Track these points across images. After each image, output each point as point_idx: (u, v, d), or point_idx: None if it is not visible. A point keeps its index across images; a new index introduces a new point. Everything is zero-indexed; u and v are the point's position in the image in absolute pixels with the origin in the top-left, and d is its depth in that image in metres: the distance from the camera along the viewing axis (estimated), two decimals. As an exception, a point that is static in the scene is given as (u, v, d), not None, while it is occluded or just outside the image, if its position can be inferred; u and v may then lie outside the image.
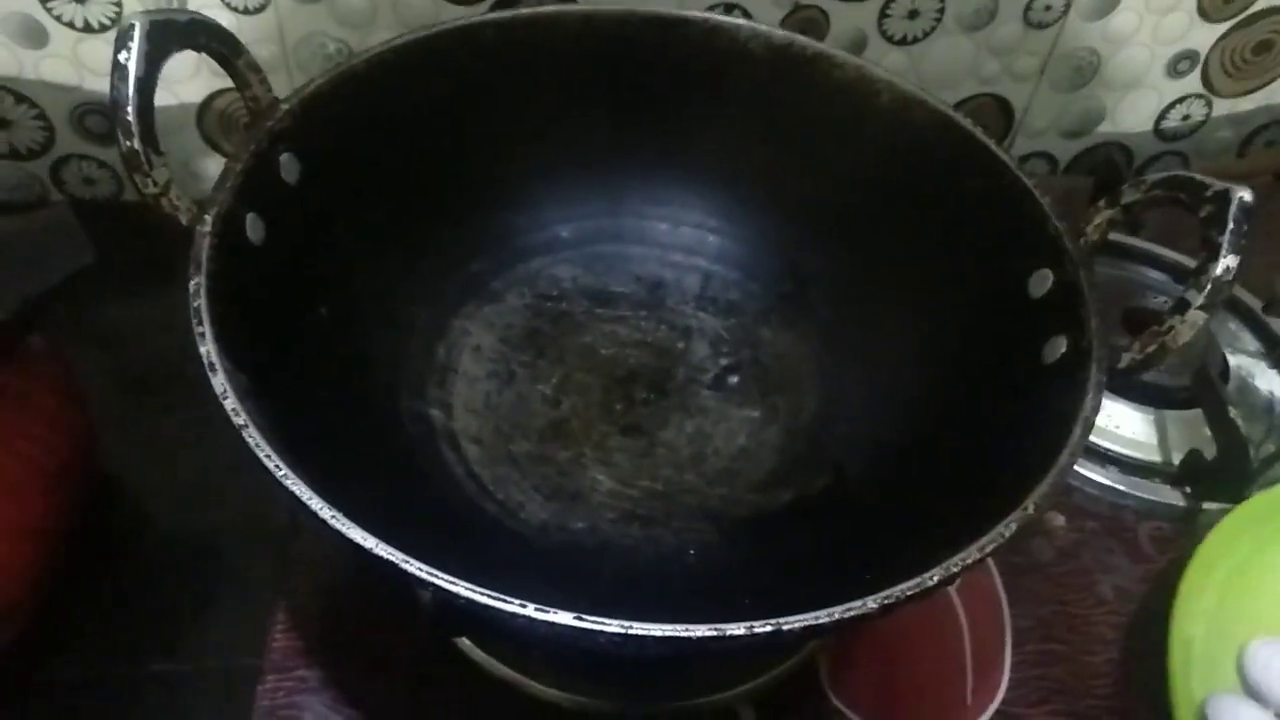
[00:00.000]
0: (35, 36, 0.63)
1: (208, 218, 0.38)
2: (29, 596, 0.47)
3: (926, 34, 0.70)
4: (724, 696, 0.45)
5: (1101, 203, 0.42)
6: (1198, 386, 0.56)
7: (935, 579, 0.31)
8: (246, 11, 0.63)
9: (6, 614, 0.45)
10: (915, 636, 0.49)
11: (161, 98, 0.66)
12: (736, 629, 0.29)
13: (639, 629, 0.29)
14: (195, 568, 0.54)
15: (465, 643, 0.46)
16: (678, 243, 0.57)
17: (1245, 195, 0.36)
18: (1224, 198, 0.36)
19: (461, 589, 0.29)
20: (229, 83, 0.43)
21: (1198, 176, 0.38)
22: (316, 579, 0.49)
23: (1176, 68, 0.76)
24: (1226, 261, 0.36)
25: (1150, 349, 0.38)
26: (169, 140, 0.68)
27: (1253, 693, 0.46)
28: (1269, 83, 0.79)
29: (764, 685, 0.46)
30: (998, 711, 0.47)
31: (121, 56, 0.35)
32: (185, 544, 0.56)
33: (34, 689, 0.48)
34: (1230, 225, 0.36)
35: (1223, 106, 0.80)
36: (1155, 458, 0.57)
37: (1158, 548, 0.54)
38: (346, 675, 0.46)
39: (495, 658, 0.45)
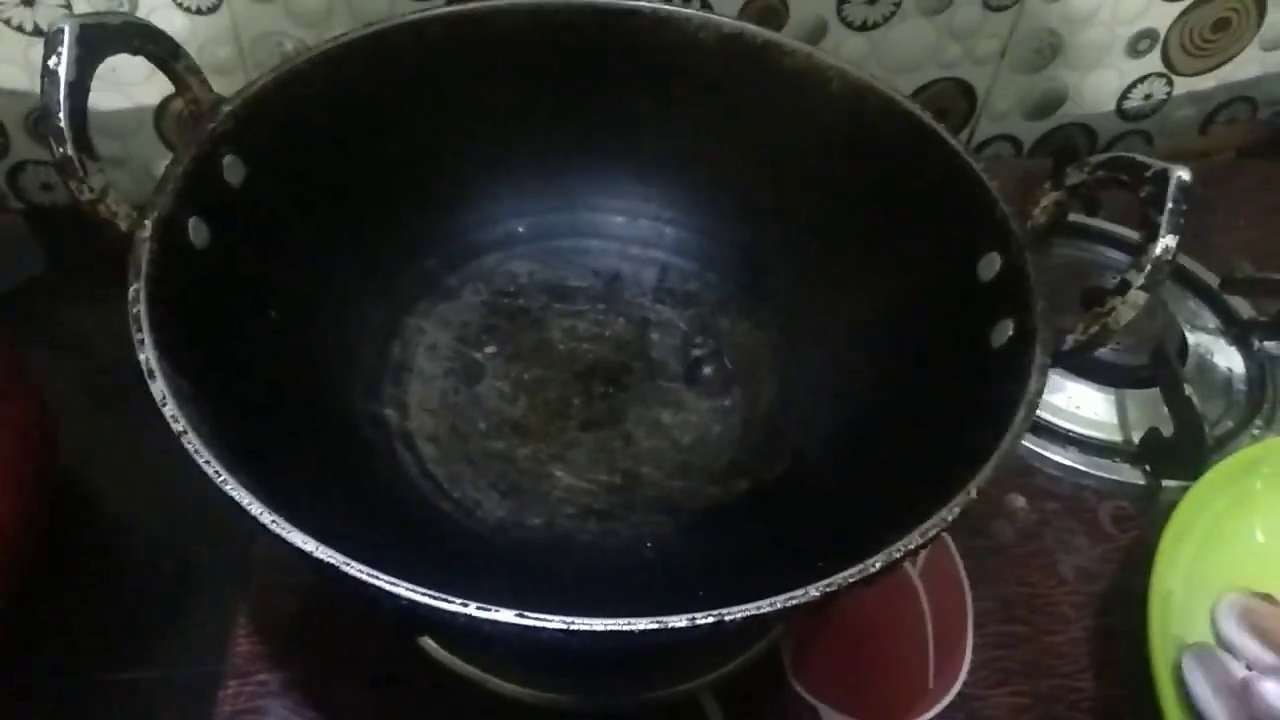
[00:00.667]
0: (-16, 42, 0.62)
1: (147, 223, 0.37)
2: (-9, 604, 0.46)
3: (886, 19, 0.70)
4: (686, 688, 0.45)
5: (1047, 185, 0.42)
6: (1156, 365, 0.57)
7: (877, 565, 0.31)
8: (199, 12, 0.62)
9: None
10: (877, 621, 0.49)
11: (116, 100, 0.67)
12: (678, 621, 0.29)
13: (581, 624, 0.29)
14: (162, 573, 0.54)
15: (428, 642, 0.46)
16: (634, 235, 0.57)
17: (1183, 175, 0.36)
18: (1162, 178, 0.36)
19: (402, 590, 0.29)
20: (189, 84, 0.42)
21: (1138, 157, 0.38)
22: (278, 582, 0.49)
23: (1137, 47, 0.76)
24: (1166, 241, 0.36)
25: (1093, 330, 0.38)
26: (126, 143, 0.68)
27: (1225, 646, 0.47)
28: (1228, 60, 0.79)
29: (727, 675, 0.46)
30: (960, 693, 0.47)
31: (51, 62, 0.35)
32: (152, 549, 0.55)
33: (-1, 697, 0.48)
34: (1169, 205, 0.36)
35: (1183, 85, 0.80)
36: (1116, 437, 0.58)
37: (1119, 526, 0.54)
38: (309, 677, 0.46)
39: (458, 656, 0.45)
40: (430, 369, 0.51)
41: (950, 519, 0.32)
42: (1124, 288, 0.37)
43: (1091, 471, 0.56)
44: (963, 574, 0.51)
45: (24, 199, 0.71)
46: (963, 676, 0.48)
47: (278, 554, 0.48)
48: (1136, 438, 0.57)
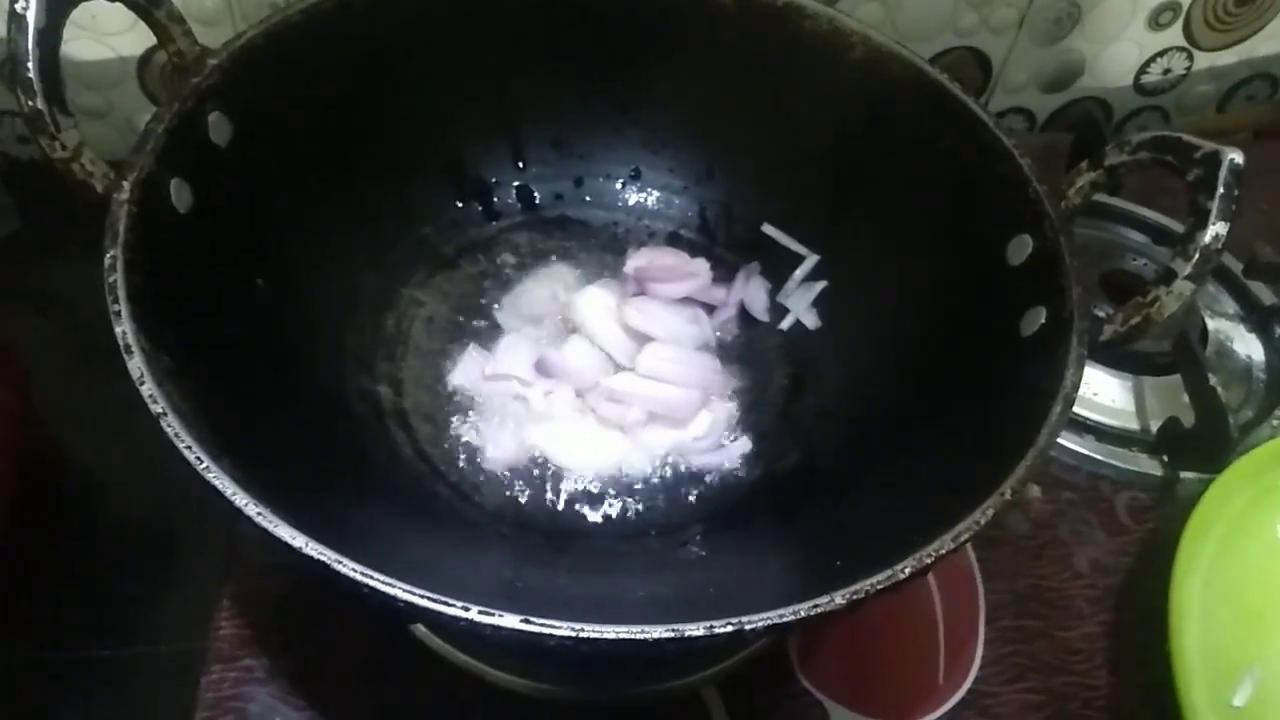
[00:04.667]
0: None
1: (125, 184, 0.35)
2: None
3: (903, -16, 0.67)
4: (689, 681, 0.43)
5: (1084, 164, 0.40)
6: (1177, 352, 0.55)
7: (906, 571, 0.29)
8: (183, -42, 0.59)
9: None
10: (888, 615, 0.48)
11: (97, 50, 0.63)
12: (696, 629, 0.27)
13: (591, 631, 0.27)
14: (145, 548, 0.52)
15: (421, 630, 0.44)
16: (641, 205, 0.55)
17: (1236, 157, 0.34)
18: (1213, 160, 0.34)
19: (399, 591, 0.27)
20: (173, 33, 0.39)
21: (1185, 137, 0.36)
22: (263, 565, 0.47)
23: (1158, 20, 0.74)
24: (1216, 229, 0.34)
25: (1134, 321, 0.36)
26: (108, 95, 0.65)
27: None
28: (1252, 35, 0.77)
29: (731, 669, 0.44)
30: (971, 690, 0.46)
31: (19, 6, 0.32)
32: (134, 523, 0.54)
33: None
34: (1220, 190, 0.34)
35: (1204, 60, 0.78)
36: (1133, 425, 0.56)
37: (1135, 518, 0.53)
38: (295, 664, 0.44)
39: (452, 645, 0.43)
40: (427, 343, 0.48)
41: (983, 521, 0.31)
42: (1169, 277, 0.35)
43: (1108, 460, 0.54)
44: (975, 566, 0.49)
45: (-1, 151, 0.68)
46: (974, 672, 0.46)
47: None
48: (1155, 427, 0.55)
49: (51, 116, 0.33)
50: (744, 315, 0.52)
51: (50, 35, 0.33)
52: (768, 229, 0.53)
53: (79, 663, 0.49)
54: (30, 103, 0.33)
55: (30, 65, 0.32)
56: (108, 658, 0.49)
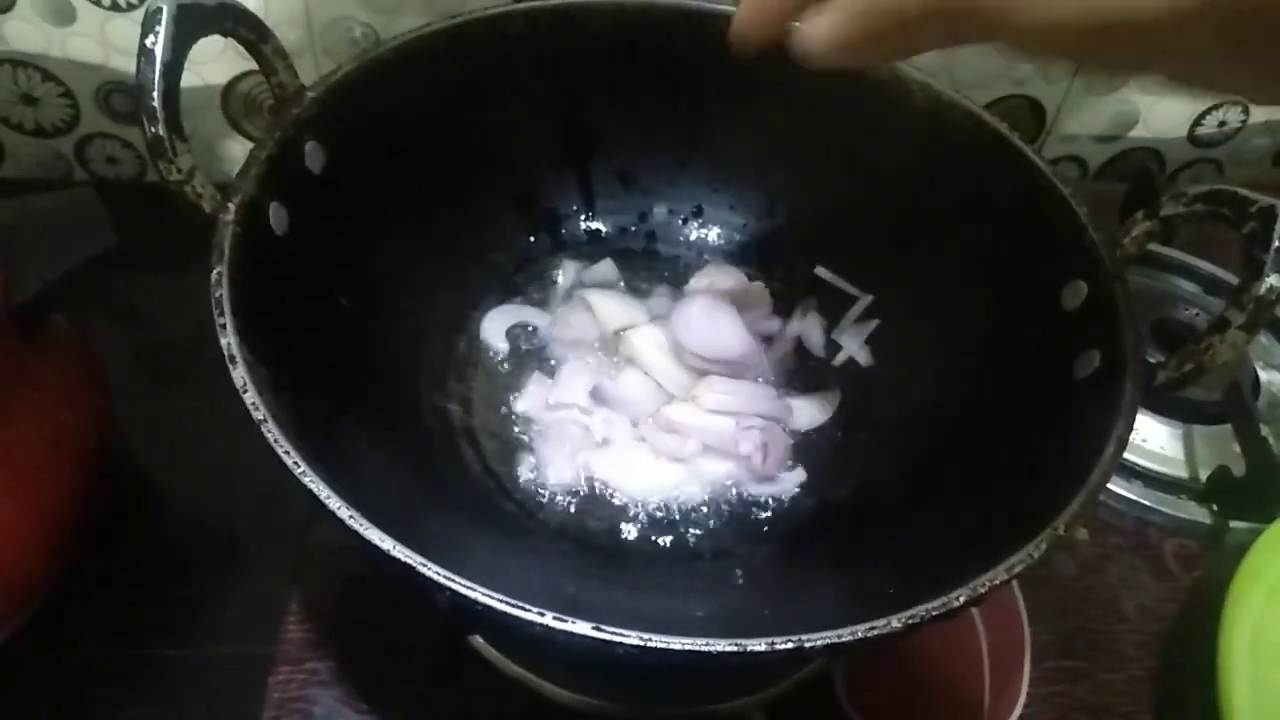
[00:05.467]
0: (63, 13, 0.62)
1: (231, 206, 0.37)
2: (46, 578, 0.46)
3: (960, 33, 0.69)
4: (737, 704, 0.44)
5: (1139, 214, 0.41)
6: (1228, 402, 0.55)
7: (961, 599, 0.30)
8: (274, -6, 0.62)
9: (24, 595, 0.45)
10: (933, 649, 0.48)
11: (186, 78, 0.66)
12: (758, 645, 0.29)
13: (658, 642, 0.28)
14: (212, 552, 0.54)
15: (479, 640, 0.45)
16: (705, 241, 0.57)
17: (1291, 212, 0.35)
18: (1269, 214, 0.35)
19: (479, 595, 0.29)
20: (253, 65, 0.42)
21: (1241, 191, 0.37)
22: (331, 570, 0.49)
23: (1215, 73, 0.74)
24: (1271, 280, 0.35)
25: (1187, 368, 0.37)
26: (192, 121, 0.68)
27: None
28: (1309, 91, 0.77)
29: (778, 694, 0.45)
30: (1015, 727, 0.46)
31: (148, 41, 0.35)
32: (202, 528, 0.55)
33: (49, 670, 0.48)
34: (1276, 243, 0.35)
35: (1260, 113, 0.78)
36: (1182, 473, 0.56)
37: (1182, 566, 0.53)
38: (359, 669, 0.46)
39: (509, 657, 0.45)
40: (494, 365, 0.50)
41: (1037, 555, 0.32)
42: (1223, 326, 0.36)
43: (1156, 507, 0.55)
44: (1021, 605, 0.50)
45: (89, 170, 0.71)
46: (1018, 711, 0.47)
47: (332, 542, 0.49)
48: (1203, 474, 0.56)
49: (170, 143, 0.36)
50: (800, 349, 0.53)
51: (174, 68, 0.35)
52: (821, 271, 0.54)
53: (145, 661, 0.50)
54: (153, 129, 0.35)
55: (155, 95, 0.35)
56: (172, 657, 0.50)
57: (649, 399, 0.49)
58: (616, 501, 0.46)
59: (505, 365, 0.51)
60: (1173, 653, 0.49)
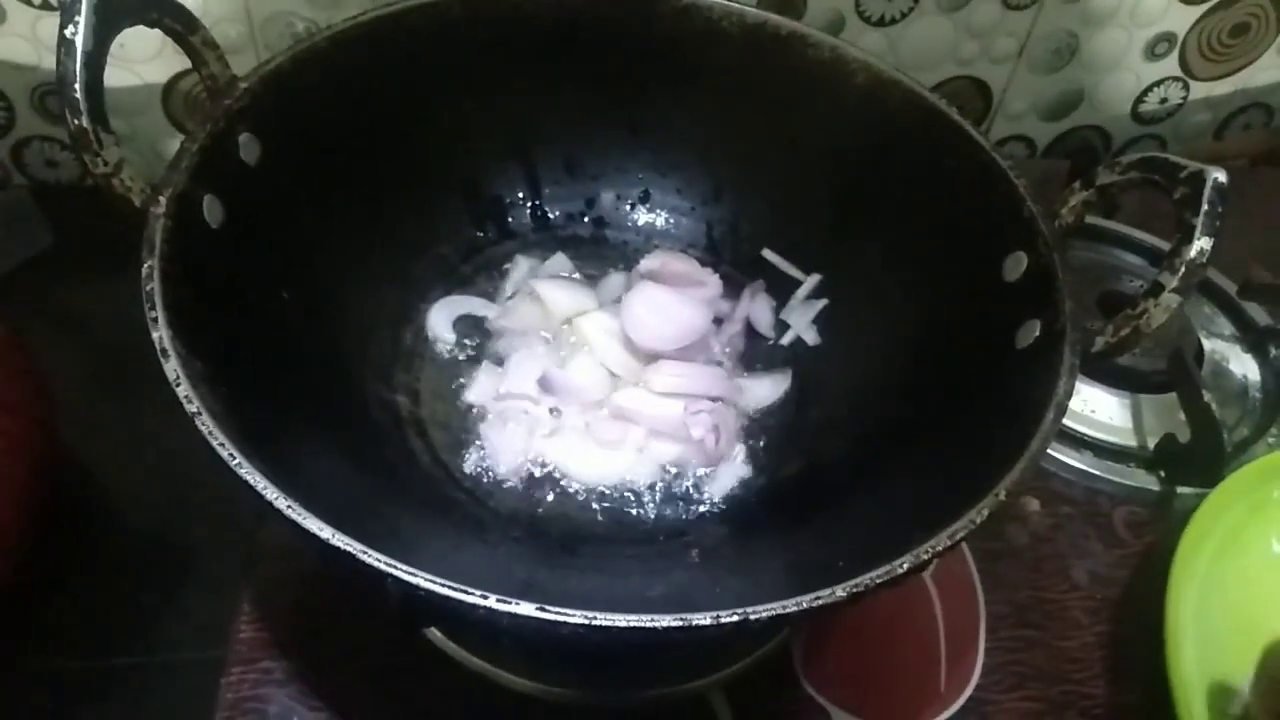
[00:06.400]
0: (-7, 14, 0.61)
1: (162, 199, 0.36)
2: (-6, 588, 0.46)
3: (905, 15, 0.69)
4: (696, 685, 0.44)
5: (1076, 184, 0.42)
6: (1173, 370, 0.56)
7: (905, 566, 0.30)
8: (212, -12, 0.61)
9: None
10: (890, 623, 0.49)
11: (124, 77, 0.66)
12: (702, 619, 0.29)
13: (603, 620, 0.28)
14: (163, 557, 0.53)
15: (435, 634, 0.45)
16: (653, 226, 0.57)
17: (1220, 176, 0.35)
18: (1198, 179, 0.36)
19: (421, 580, 0.28)
20: (197, 63, 0.41)
21: (1172, 158, 0.38)
22: (283, 569, 0.48)
23: (1154, 50, 0.76)
24: (1201, 244, 0.35)
25: (1124, 332, 0.37)
26: (134, 121, 0.67)
27: None
28: (1246, 65, 0.79)
29: (737, 673, 0.45)
30: (971, 698, 0.47)
31: (68, 31, 0.34)
32: (153, 533, 0.55)
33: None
34: (1205, 207, 0.35)
35: (1200, 90, 0.80)
36: (1130, 442, 0.57)
37: (1133, 532, 0.54)
38: (313, 667, 0.45)
39: (466, 649, 0.45)
40: (442, 357, 0.50)
41: (979, 520, 0.32)
42: (1156, 290, 0.36)
43: (1106, 476, 0.55)
44: (975, 577, 0.51)
45: (28, 175, 0.70)
46: (975, 680, 0.47)
47: (284, 541, 0.49)
48: (1151, 443, 0.57)
49: (95, 134, 0.35)
50: (749, 331, 0.53)
51: (96, 58, 0.35)
52: (767, 254, 0.55)
53: (97, 671, 0.49)
54: (76, 121, 0.34)
55: (77, 86, 0.34)
56: (124, 665, 0.49)
57: (598, 386, 0.48)
58: (568, 488, 0.46)
59: (453, 356, 0.50)
60: (1124, 618, 0.50)
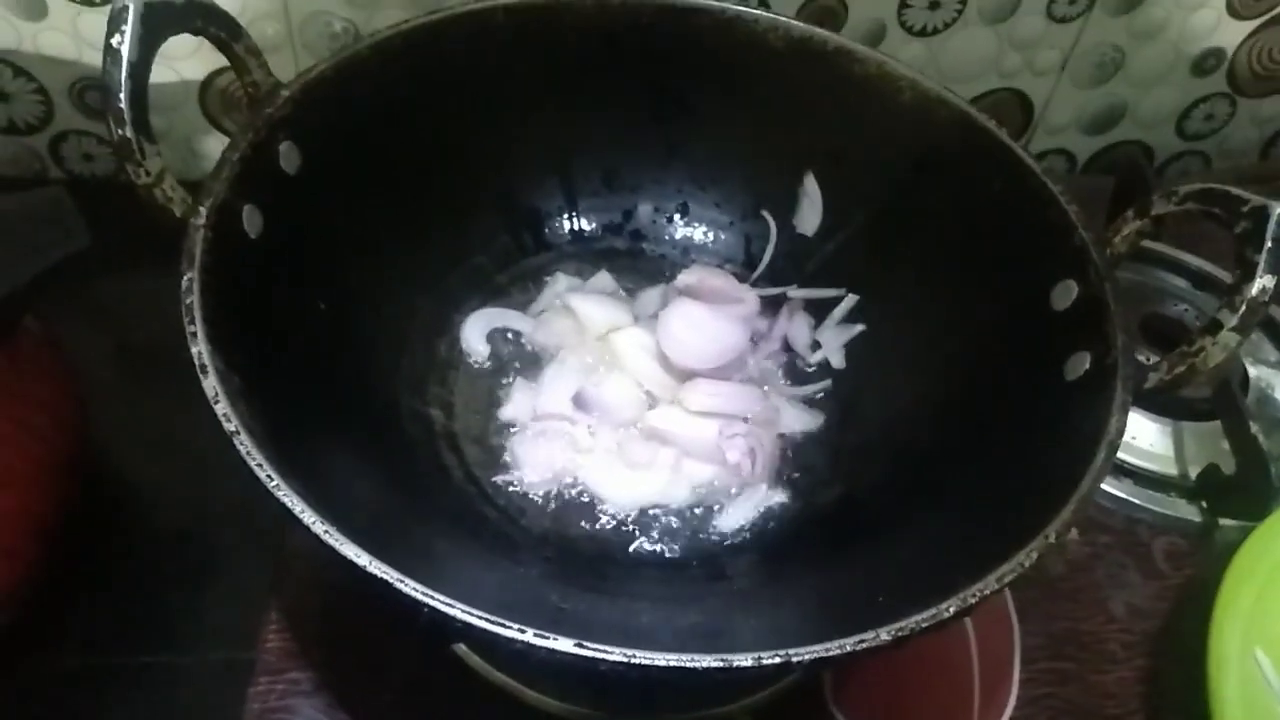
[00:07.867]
0: (34, 8, 0.61)
1: (202, 209, 0.36)
2: (23, 585, 0.46)
3: (947, 25, 0.68)
4: (725, 710, 0.44)
5: (1130, 213, 0.41)
6: (1218, 400, 0.55)
7: (951, 610, 0.30)
8: (251, -13, 0.61)
9: (1, 602, 0.44)
10: (922, 652, 0.47)
11: (162, 74, 0.65)
12: (744, 660, 0.28)
13: (642, 658, 0.28)
14: (191, 556, 0.53)
15: (462, 648, 0.45)
16: (690, 240, 0.56)
17: (1284, 211, 0.34)
18: (1262, 214, 0.35)
19: (458, 612, 0.28)
20: (232, 59, 0.41)
21: (1234, 191, 0.36)
22: (311, 579, 0.48)
23: (1202, 66, 0.74)
24: (1263, 281, 0.34)
25: (1179, 370, 0.36)
26: (169, 117, 0.67)
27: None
28: (1296, 83, 0.77)
29: (766, 699, 0.44)
30: (1005, 730, 0.46)
31: (114, 40, 0.34)
32: (181, 532, 0.55)
33: (27, 678, 0.48)
34: (1269, 244, 0.34)
35: (1247, 107, 0.78)
36: (1172, 471, 0.56)
37: (1172, 564, 0.53)
38: (340, 679, 0.45)
39: (492, 665, 0.44)
40: (476, 369, 0.49)
41: (1027, 564, 0.31)
42: (1214, 328, 0.35)
43: (1146, 505, 0.54)
44: (1010, 607, 0.49)
45: (65, 169, 0.70)
46: (1008, 713, 0.46)
47: (313, 550, 0.49)
48: (1193, 473, 0.55)
49: (138, 144, 0.35)
50: (788, 350, 0.53)
51: (141, 68, 0.34)
52: (793, 291, 0.54)
53: (124, 670, 0.49)
54: (120, 131, 0.34)
55: (122, 96, 0.34)
56: (151, 664, 0.50)
57: (633, 405, 0.48)
58: (600, 509, 0.45)
59: (487, 370, 0.50)
60: (1163, 653, 0.49)
